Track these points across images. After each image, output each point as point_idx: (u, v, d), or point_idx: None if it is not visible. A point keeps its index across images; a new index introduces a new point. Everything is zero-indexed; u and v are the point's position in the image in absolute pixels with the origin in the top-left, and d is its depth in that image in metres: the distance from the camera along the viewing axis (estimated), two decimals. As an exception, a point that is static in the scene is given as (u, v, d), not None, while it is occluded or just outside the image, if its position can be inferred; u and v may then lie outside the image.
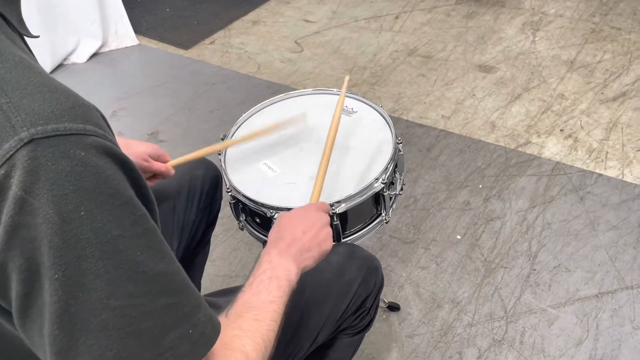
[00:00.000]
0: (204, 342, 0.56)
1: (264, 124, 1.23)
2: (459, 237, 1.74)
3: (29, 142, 0.47)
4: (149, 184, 1.05)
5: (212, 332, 0.58)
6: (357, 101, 1.30)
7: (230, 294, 0.96)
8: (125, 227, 0.51)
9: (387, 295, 1.57)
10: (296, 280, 0.77)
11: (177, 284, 0.55)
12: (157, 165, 1.06)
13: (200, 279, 1.36)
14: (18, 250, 0.48)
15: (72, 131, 0.48)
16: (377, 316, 1.50)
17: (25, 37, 0.65)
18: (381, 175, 1.07)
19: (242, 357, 0.62)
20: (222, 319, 0.64)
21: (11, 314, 0.52)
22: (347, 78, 1.18)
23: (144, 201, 0.54)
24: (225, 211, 1.42)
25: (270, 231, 0.85)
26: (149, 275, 0.52)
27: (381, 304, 1.53)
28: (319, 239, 0.84)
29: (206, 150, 1.15)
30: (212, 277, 1.67)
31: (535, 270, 1.61)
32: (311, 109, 1.30)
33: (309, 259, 0.81)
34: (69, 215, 0.48)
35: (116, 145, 0.53)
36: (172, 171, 1.09)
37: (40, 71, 0.53)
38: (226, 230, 1.83)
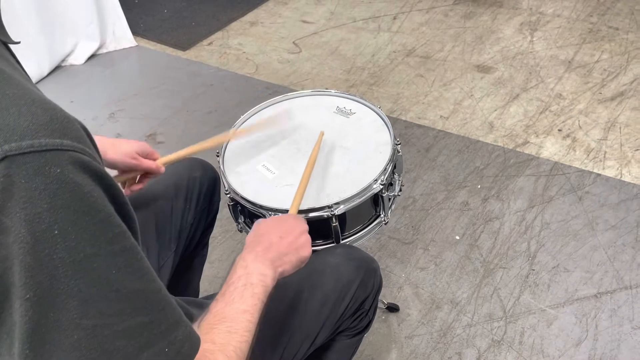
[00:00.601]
0: None
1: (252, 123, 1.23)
2: (457, 237, 1.73)
3: (3, 159, 0.45)
4: (140, 185, 1.05)
5: (189, 351, 0.56)
6: (355, 102, 1.30)
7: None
8: (100, 245, 0.49)
9: (386, 296, 1.57)
10: (272, 285, 0.75)
11: (155, 302, 0.54)
12: (147, 163, 1.04)
13: (199, 281, 1.36)
14: None
15: (48, 147, 0.47)
16: (376, 317, 1.50)
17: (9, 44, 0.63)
18: (380, 176, 1.07)
19: None
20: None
21: None
22: (322, 133, 1.17)
23: (124, 218, 0.53)
24: (224, 213, 1.42)
25: (247, 236, 0.83)
26: (123, 294, 0.51)
27: (380, 305, 1.53)
28: (297, 244, 0.82)
29: (196, 147, 1.13)
30: (210, 279, 1.67)
31: (534, 270, 1.61)
32: (309, 110, 1.30)
33: (287, 264, 0.79)
34: (42, 234, 0.46)
35: (96, 160, 0.51)
36: (162, 169, 1.08)
37: (18, 83, 0.51)
38: (225, 231, 1.83)
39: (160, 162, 1.08)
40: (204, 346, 0.61)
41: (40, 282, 0.47)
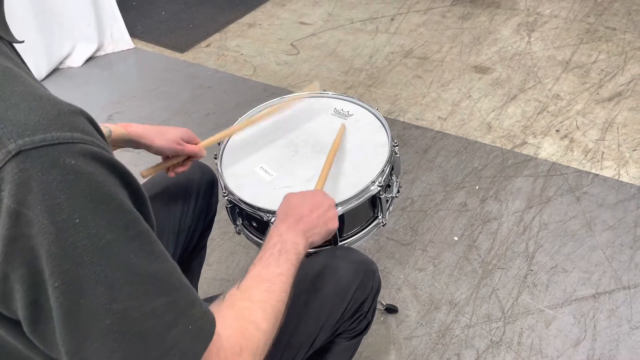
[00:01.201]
0: (203, 336, 0.58)
1: (256, 124, 1.25)
2: (456, 238, 1.74)
3: (17, 154, 0.47)
4: (184, 168, 1.13)
5: (208, 327, 0.59)
6: (353, 104, 1.30)
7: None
8: (118, 231, 0.51)
9: (384, 298, 1.57)
10: (304, 253, 0.82)
11: (173, 282, 0.56)
12: (190, 147, 1.11)
13: (197, 283, 1.35)
14: (18, 261, 0.48)
15: (60, 140, 0.48)
16: (375, 319, 1.50)
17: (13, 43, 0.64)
18: (377, 178, 1.07)
19: (252, 327, 0.65)
20: (233, 290, 0.69)
21: (12, 322, 0.53)
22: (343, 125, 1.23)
23: (138, 202, 0.55)
24: (222, 215, 1.41)
25: (279, 208, 0.89)
26: (145, 276, 0.53)
27: (379, 306, 1.53)
28: (325, 217, 0.89)
29: (233, 129, 1.21)
30: (209, 281, 1.67)
31: (532, 271, 1.61)
32: (307, 112, 1.30)
33: (316, 235, 0.86)
34: (64, 224, 0.48)
35: (105, 149, 0.53)
36: (204, 152, 1.15)
37: (24, 80, 0.53)
38: (223, 234, 1.83)
39: (202, 145, 1.15)
40: (242, 304, 0.68)
41: (67, 270, 0.49)
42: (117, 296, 0.51)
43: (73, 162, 0.48)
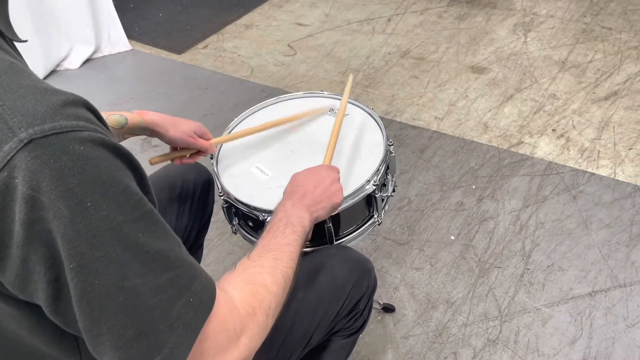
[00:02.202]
0: (204, 308, 0.60)
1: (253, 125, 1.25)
2: (452, 237, 1.74)
3: (29, 142, 0.49)
4: (191, 160, 1.15)
5: (208, 299, 0.61)
6: (348, 103, 1.30)
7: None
8: (127, 212, 0.54)
9: (381, 297, 1.58)
10: (309, 227, 0.87)
11: (175, 258, 0.59)
12: (202, 142, 1.12)
13: (194, 283, 1.36)
14: (38, 242, 0.50)
15: (67, 128, 0.51)
16: (372, 317, 1.50)
17: (15, 42, 0.65)
18: (373, 177, 1.08)
19: (263, 290, 0.70)
20: (244, 260, 0.74)
21: (22, 308, 0.55)
22: (350, 77, 1.28)
23: (142, 182, 0.58)
24: (220, 215, 1.42)
25: (285, 188, 0.94)
26: (151, 254, 0.55)
27: (376, 306, 1.53)
28: (329, 192, 0.93)
29: (244, 132, 1.22)
30: (206, 281, 1.67)
31: (529, 269, 1.61)
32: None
33: (321, 210, 0.91)
34: (77, 207, 0.50)
35: (108, 135, 0.55)
36: (215, 149, 1.17)
37: (30, 74, 0.55)
38: (221, 234, 1.83)
39: (213, 142, 1.16)
40: (253, 270, 0.73)
41: (82, 253, 0.51)
42: (128, 274, 0.53)
43: (82, 148, 0.51)
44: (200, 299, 0.60)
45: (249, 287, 0.69)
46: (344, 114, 1.18)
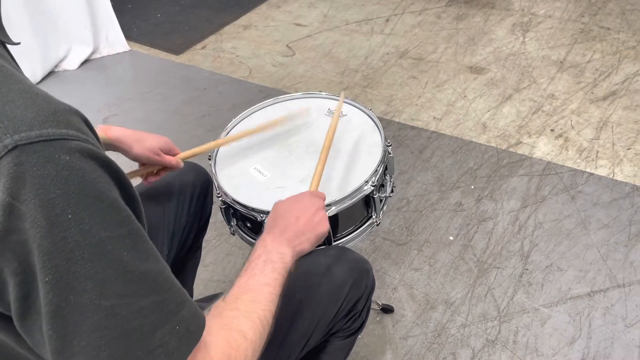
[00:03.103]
0: (190, 338, 0.57)
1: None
2: (451, 238, 1.74)
3: (13, 148, 0.48)
4: (157, 177, 1.11)
5: (196, 328, 0.59)
6: (346, 104, 1.30)
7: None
8: (111, 229, 0.51)
9: (380, 298, 1.57)
10: (291, 263, 0.81)
11: (163, 282, 0.56)
12: (168, 159, 1.09)
13: (192, 284, 1.35)
14: (10, 254, 0.48)
15: (55, 136, 0.49)
16: (370, 318, 1.51)
17: (7, 45, 0.65)
18: (371, 177, 1.08)
19: (239, 336, 0.65)
20: (219, 302, 0.68)
21: (7, 318, 0.53)
22: (342, 95, 1.24)
23: (130, 201, 0.55)
24: (218, 217, 1.42)
25: (267, 219, 0.89)
26: (136, 275, 0.53)
27: (375, 306, 1.53)
28: (312, 222, 0.88)
29: (212, 144, 1.19)
30: (205, 282, 1.67)
31: (527, 270, 1.61)
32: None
33: (305, 242, 0.86)
34: (57, 218, 0.48)
35: (99, 148, 0.53)
36: (182, 164, 1.13)
37: (21, 79, 0.54)
38: (219, 235, 1.83)
39: (180, 157, 1.13)
40: (229, 313, 0.67)
41: (57, 265, 0.49)
42: (107, 293, 0.51)
43: (68, 158, 0.49)
44: (187, 327, 0.57)
45: (224, 333, 0.64)
46: (332, 138, 1.13)
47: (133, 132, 1.06)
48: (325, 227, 0.89)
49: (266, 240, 0.82)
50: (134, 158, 1.07)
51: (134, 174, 1.11)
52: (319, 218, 0.89)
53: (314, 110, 1.29)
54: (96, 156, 0.52)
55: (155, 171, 1.12)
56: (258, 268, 0.76)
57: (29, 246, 0.48)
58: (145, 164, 1.10)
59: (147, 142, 1.06)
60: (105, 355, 0.51)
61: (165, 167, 1.12)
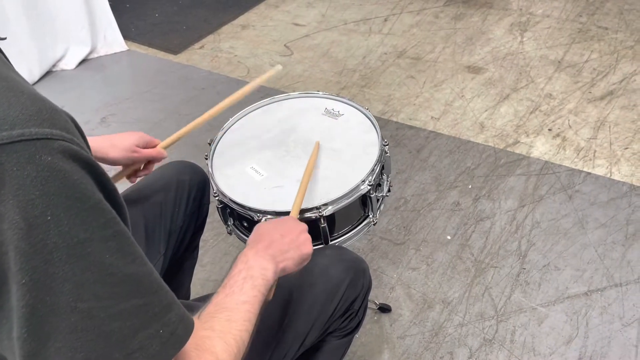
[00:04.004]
0: (175, 342, 0.56)
1: (248, 125, 1.24)
2: (449, 237, 1.74)
3: None
4: (146, 171, 1.09)
5: (183, 332, 0.58)
6: (343, 104, 1.30)
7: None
8: (93, 231, 0.51)
9: (378, 297, 1.57)
10: (273, 279, 0.77)
11: (148, 284, 0.56)
12: (147, 152, 1.07)
13: (190, 283, 1.35)
14: None
15: (38, 136, 0.48)
16: (368, 318, 1.51)
17: None
18: (367, 177, 1.08)
19: (211, 358, 0.62)
20: (194, 320, 0.64)
21: None
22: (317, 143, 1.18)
23: (113, 205, 0.54)
24: (216, 216, 1.42)
25: (249, 238, 0.85)
26: (118, 277, 0.52)
27: (372, 306, 1.53)
28: (297, 242, 0.84)
29: (191, 125, 1.16)
30: (202, 282, 1.67)
31: (525, 269, 1.62)
32: (298, 112, 1.30)
33: (289, 260, 0.81)
34: (35, 220, 0.47)
35: (84, 149, 0.52)
36: (165, 153, 1.10)
37: (6, 75, 0.53)
38: (217, 235, 1.83)
39: (161, 146, 1.11)
40: (202, 333, 0.63)
41: (35, 267, 0.48)
42: (84, 295, 0.50)
43: (49, 159, 0.48)
44: (173, 331, 0.56)
45: (195, 355, 0.60)
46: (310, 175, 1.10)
47: (102, 138, 1.04)
48: (309, 249, 0.85)
49: (248, 255, 0.78)
50: (113, 163, 1.05)
51: (118, 177, 1.10)
52: (303, 239, 0.86)
53: (299, 120, 1.27)
54: (79, 157, 0.51)
55: (141, 167, 1.11)
56: (237, 285, 0.72)
57: (5, 248, 0.47)
58: (128, 165, 1.08)
59: (120, 143, 1.04)
60: (81, 357, 0.50)
61: (150, 161, 1.10)
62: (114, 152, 1.03)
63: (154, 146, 1.11)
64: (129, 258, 0.54)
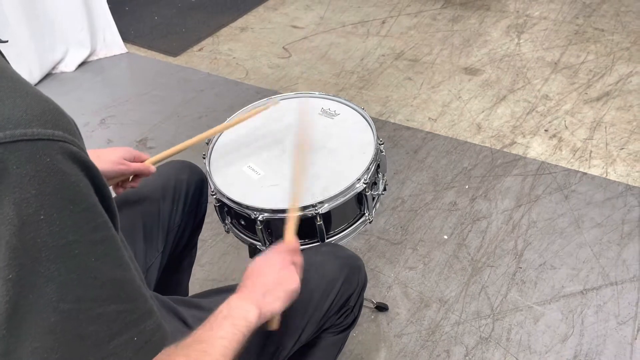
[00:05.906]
0: (148, 351, 0.57)
1: (245, 125, 1.25)
2: (446, 237, 1.75)
3: None
4: (134, 184, 1.07)
5: (158, 340, 0.58)
6: (340, 104, 1.31)
7: (215, 295, 0.97)
8: (83, 233, 0.52)
9: (375, 296, 1.58)
10: (256, 322, 0.75)
11: (129, 291, 0.56)
12: (135, 166, 1.06)
13: (188, 282, 1.36)
14: None
15: (40, 136, 0.49)
16: (365, 316, 1.52)
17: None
18: (363, 175, 1.09)
19: None
20: (171, 347, 0.63)
21: None
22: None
23: (107, 211, 0.55)
24: (214, 216, 1.43)
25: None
26: (101, 281, 0.53)
27: (369, 305, 1.54)
28: (279, 279, 0.82)
29: (183, 145, 1.15)
30: (201, 282, 1.68)
31: (521, 268, 1.63)
32: (294, 112, 1.31)
33: (276, 301, 0.80)
34: (29, 218, 0.48)
35: (84, 152, 0.53)
36: (153, 168, 1.09)
37: (12, 76, 0.54)
38: (215, 234, 1.84)
39: (149, 162, 1.10)
40: (177, 359, 0.62)
41: (22, 264, 0.49)
42: (67, 296, 0.51)
43: (49, 159, 0.49)
44: (148, 339, 0.57)
45: None
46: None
47: (91, 151, 1.02)
48: (295, 283, 0.83)
49: (231, 300, 0.77)
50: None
51: (110, 183, 1.07)
52: (286, 275, 0.83)
53: (296, 119, 1.28)
54: (79, 159, 0.52)
55: (130, 179, 1.09)
56: (216, 322, 0.72)
57: None
58: (114, 177, 1.06)
59: (107, 156, 1.03)
60: (56, 357, 0.51)
61: (137, 175, 1.08)
62: (100, 164, 1.00)
63: (142, 161, 1.09)
64: (115, 263, 0.54)
